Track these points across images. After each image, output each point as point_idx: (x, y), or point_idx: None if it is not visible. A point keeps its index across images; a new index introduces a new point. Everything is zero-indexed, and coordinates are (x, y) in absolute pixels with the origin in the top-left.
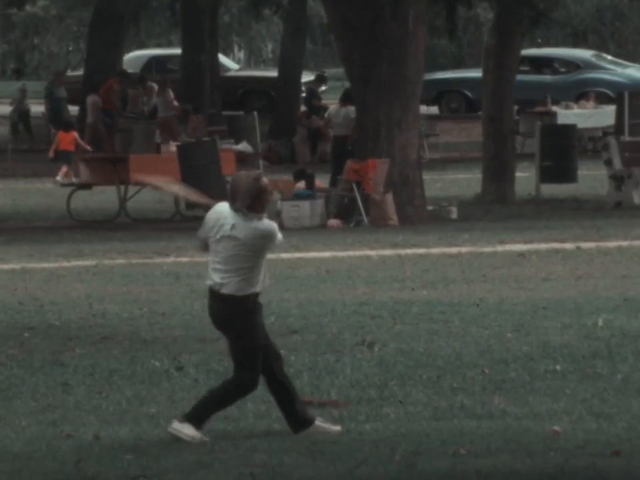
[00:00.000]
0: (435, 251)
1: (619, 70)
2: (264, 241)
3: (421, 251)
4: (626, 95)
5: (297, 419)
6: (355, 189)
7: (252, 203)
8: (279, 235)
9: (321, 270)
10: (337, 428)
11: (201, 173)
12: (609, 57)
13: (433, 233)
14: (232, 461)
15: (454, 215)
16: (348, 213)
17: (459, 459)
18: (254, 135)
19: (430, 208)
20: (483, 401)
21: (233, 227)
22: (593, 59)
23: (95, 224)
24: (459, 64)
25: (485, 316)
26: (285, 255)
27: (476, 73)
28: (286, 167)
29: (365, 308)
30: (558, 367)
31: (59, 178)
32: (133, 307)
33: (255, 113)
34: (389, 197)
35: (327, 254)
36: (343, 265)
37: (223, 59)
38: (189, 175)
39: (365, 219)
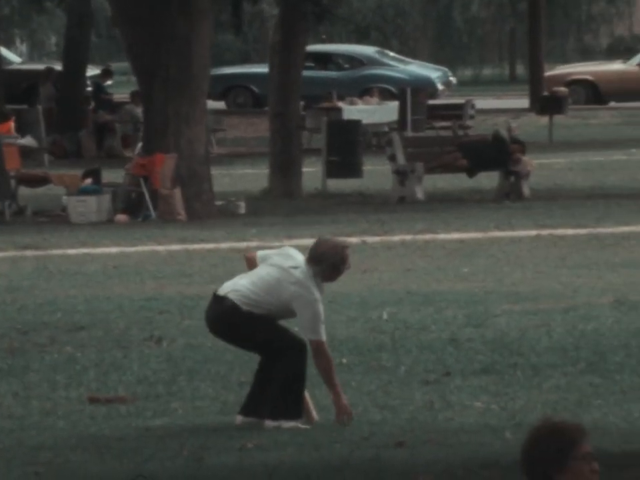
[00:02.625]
0: (224, 245)
1: (401, 66)
2: None
3: (210, 245)
4: (408, 91)
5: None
6: (143, 184)
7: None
8: None
9: (108, 265)
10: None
11: None
12: (391, 54)
13: (221, 228)
14: (16, 459)
15: (242, 210)
16: (135, 208)
17: (246, 452)
18: (38, 128)
19: (218, 203)
20: None
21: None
22: (376, 56)
23: None
24: (245, 59)
25: None
26: (71, 251)
27: (262, 69)
28: (71, 161)
29: (153, 303)
30: (344, 360)
31: None
32: None
33: (39, 107)
34: (177, 192)
35: (114, 249)
36: (131, 260)
37: (4, 51)
38: None
39: (153, 214)
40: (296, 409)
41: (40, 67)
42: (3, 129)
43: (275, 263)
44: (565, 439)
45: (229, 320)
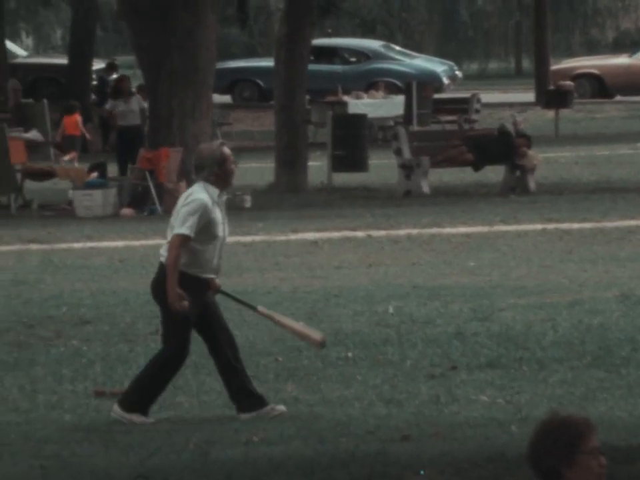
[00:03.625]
0: (229, 239)
1: (407, 60)
2: None
3: None
4: (414, 85)
5: (247, 399)
6: (148, 177)
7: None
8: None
9: (114, 259)
10: (282, 407)
11: None
12: (397, 48)
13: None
14: (22, 453)
15: (248, 204)
16: (141, 201)
17: (251, 446)
18: (44, 122)
19: (224, 197)
20: (276, 388)
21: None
22: (382, 50)
23: None
24: (251, 53)
25: (278, 304)
26: (77, 245)
27: (268, 62)
28: (78, 155)
29: None
30: (350, 354)
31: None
32: None
33: (45, 101)
34: (183, 186)
35: (120, 243)
36: (136, 254)
37: (10, 45)
38: None
39: (159, 208)
40: (140, 404)
41: (46, 60)
42: (69, 120)
43: None
44: (572, 433)
45: (158, 285)
